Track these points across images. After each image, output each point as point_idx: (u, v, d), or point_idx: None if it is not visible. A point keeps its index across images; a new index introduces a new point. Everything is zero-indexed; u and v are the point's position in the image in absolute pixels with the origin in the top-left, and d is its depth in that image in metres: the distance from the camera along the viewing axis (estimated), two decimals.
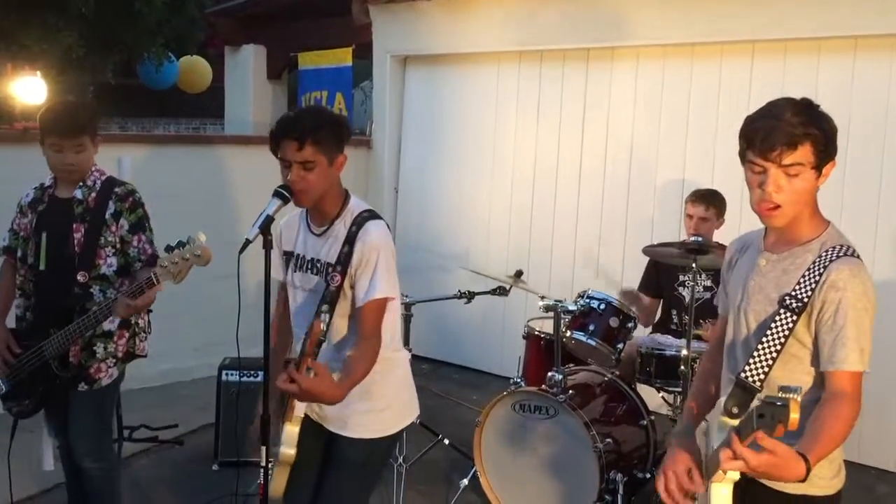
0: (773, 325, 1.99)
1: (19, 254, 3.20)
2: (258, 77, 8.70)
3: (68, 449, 3.25)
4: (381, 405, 2.65)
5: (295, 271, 2.69)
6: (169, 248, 2.81)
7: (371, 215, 2.58)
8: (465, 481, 4.05)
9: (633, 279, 4.66)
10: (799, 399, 1.60)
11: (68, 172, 3.11)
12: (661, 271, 4.44)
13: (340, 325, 2.59)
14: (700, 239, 3.97)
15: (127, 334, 3.23)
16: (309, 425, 2.64)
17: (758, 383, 1.97)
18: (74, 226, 3.10)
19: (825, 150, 1.95)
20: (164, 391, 5.55)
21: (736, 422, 1.86)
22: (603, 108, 5.65)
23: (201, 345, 5.66)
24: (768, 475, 1.76)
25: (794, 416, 1.59)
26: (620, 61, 5.57)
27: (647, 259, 4.45)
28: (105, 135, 3.26)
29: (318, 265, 2.61)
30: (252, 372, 4.33)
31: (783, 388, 1.63)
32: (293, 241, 2.70)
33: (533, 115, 5.99)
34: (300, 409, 2.57)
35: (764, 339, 2.00)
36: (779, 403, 1.61)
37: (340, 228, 2.56)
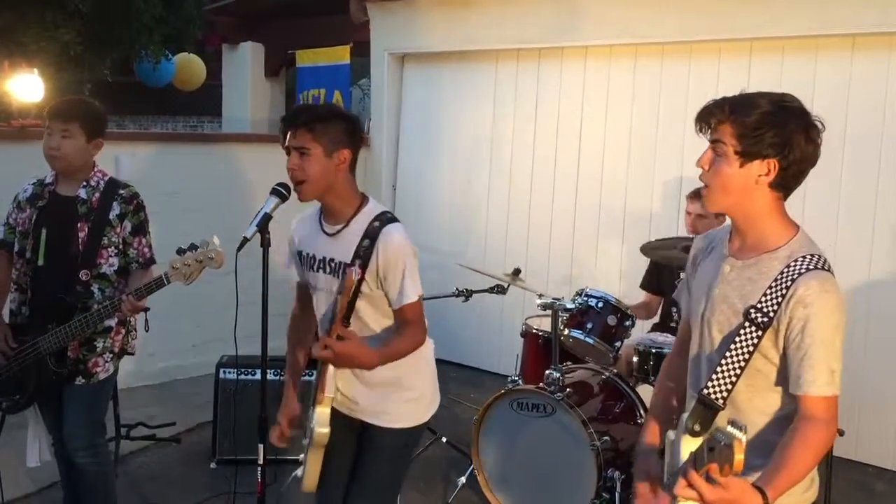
0: (737, 339, 1.89)
1: (16, 248, 3.20)
2: (256, 75, 8.70)
3: (62, 444, 3.25)
4: (416, 394, 2.71)
5: (307, 271, 2.70)
6: (181, 251, 2.83)
7: (393, 217, 2.60)
8: (463, 479, 4.06)
9: (631, 276, 4.67)
10: (744, 439, 1.52)
11: (52, 158, 3.09)
12: (662, 269, 4.45)
13: (368, 321, 2.60)
14: (695, 236, 3.97)
15: (123, 331, 3.26)
16: (339, 418, 2.65)
17: (720, 400, 1.88)
18: (79, 224, 3.11)
19: (746, 140, 1.86)
20: (161, 389, 5.55)
21: (698, 440, 1.81)
22: (601, 106, 5.65)
23: (199, 342, 5.66)
24: None
25: (739, 457, 1.52)
26: (618, 59, 5.57)
27: (645, 256, 4.46)
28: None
29: (332, 264, 2.60)
30: (250, 370, 4.33)
31: (732, 423, 1.55)
32: (303, 239, 2.72)
33: (531, 113, 5.99)
34: (329, 390, 2.58)
35: (728, 354, 1.89)
36: (723, 443, 1.54)
37: (357, 227, 2.56)
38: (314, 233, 2.67)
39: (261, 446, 2.61)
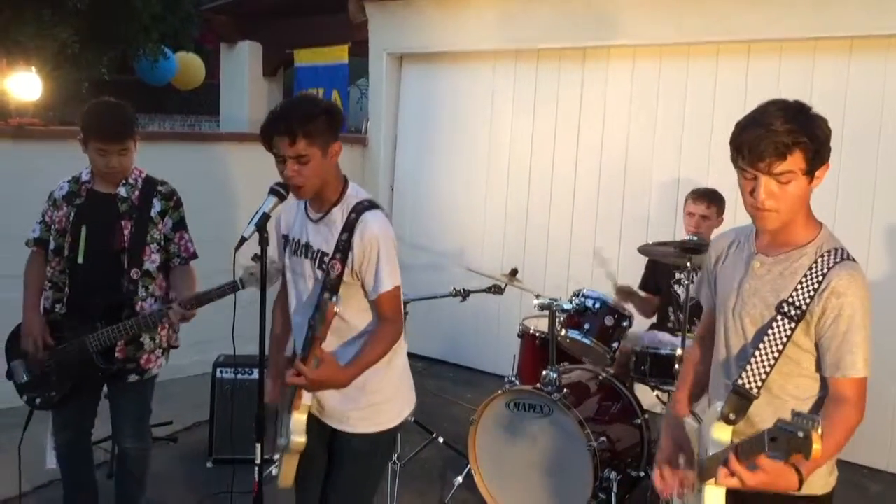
0: (769, 331, 1.99)
1: (52, 246, 3.20)
2: (254, 74, 8.68)
3: (79, 438, 3.33)
4: (381, 399, 2.66)
5: (291, 255, 2.69)
6: (256, 257, 2.80)
7: (370, 205, 2.57)
8: (460, 479, 4.06)
9: (629, 277, 4.67)
10: (821, 430, 1.56)
11: (112, 175, 3.14)
12: (659, 269, 4.46)
13: (345, 316, 2.58)
14: (696, 238, 3.98)
15: (167, 326, 3.30)
16: (312, 422, 2.65)
17: (755, 390, 1.98)
18: (122, 222, 3.13)
19: (816, 156, 1.92)
20: (158, 388, 5.43)
21: (730, 429, 1.92)
22: (599, 107, 5.66)
23: (196, 342, 5.64)
24: (762, 490, 1.79)
25: (817, 446, 1.55)
26: (616, 60, 5.57)
27: (642, 257, 4.46)
28: None
29: (311, 252, 2.60)
30: (247, 369, 4.34)
31: (799, 415, 1.58)
32: (290, 224, 2.71)
33: (529, 114, 5.99)
34: (307, 397, 2.58)
35: (761, 346, 1.99)
36: (800, 434, 1.56)
37: (338, 216, 2.55)
38: (300, 218, 2.66)
39: (258, 446, 2.60)
